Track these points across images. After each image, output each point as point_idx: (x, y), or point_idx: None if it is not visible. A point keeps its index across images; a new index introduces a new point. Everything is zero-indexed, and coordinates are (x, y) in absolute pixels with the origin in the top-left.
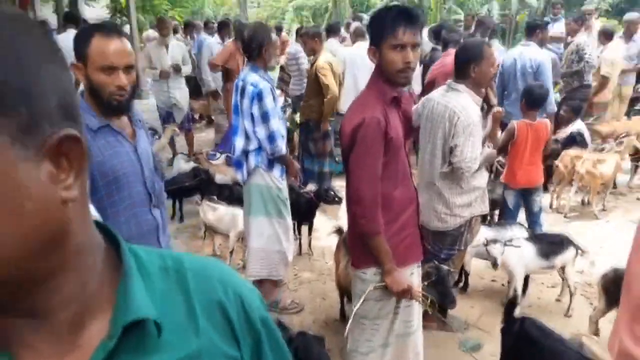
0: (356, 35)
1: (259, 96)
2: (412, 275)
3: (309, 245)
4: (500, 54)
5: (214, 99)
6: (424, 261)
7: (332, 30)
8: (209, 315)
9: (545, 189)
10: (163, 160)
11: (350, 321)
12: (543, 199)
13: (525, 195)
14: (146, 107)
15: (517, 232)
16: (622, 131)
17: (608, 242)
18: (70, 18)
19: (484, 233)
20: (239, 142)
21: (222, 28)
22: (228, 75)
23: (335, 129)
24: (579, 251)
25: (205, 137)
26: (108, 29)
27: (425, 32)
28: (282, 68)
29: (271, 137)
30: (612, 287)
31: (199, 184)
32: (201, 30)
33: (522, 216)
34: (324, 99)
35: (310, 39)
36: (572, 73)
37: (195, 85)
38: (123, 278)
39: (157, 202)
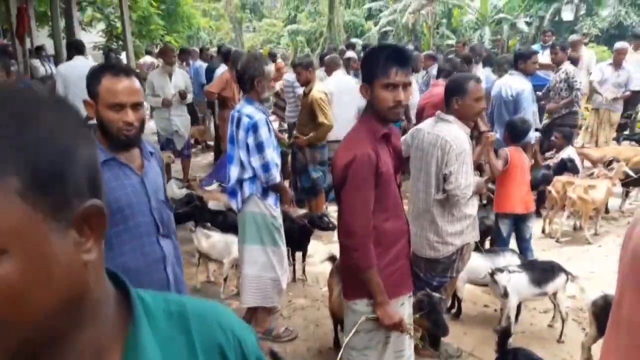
0: (333, 66)
1: (254, 127)
2: (403, 306)
3: (303, 271)
4: (489, 82)
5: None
6: (416, 289)
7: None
8: (209, 357)
9: (538, 214)
10: None
11: (341, 351)
12: (535, 225)
13: (518, 222)
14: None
15: (511, 259)
16: (611, 156)
17: (600, 266)
18: (76, 46)
19: (476, 261)
20: (234, 171)
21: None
22: (224, 103)
23: (323, 156)
24: (570, 277)
25: (200, 162)
26: (118, 68)
27: (421, 57)
28: (277, 94)
29: (265, 167)
30: (602, 314)
31: (193, 211)
32: (197, 56)
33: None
34: (318, 127)
35: (304, 70)
36: (564, 102)
37: (191, 111)
38: (133, 329)
39: (165, 232)
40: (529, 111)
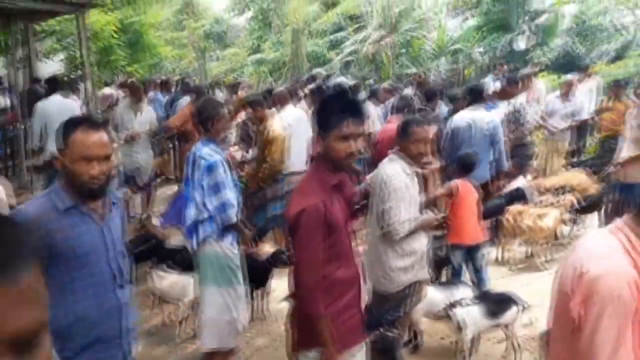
0: (283, 100)
1: (210, 169)
2: (354, 358)
3: (264, 309)
4: (443, 113)
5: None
6: (370, 325)
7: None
8: None
9: (493, 242)
10: None
11: None
12: (490, 253)
13: (471, 253)
14: None
15: (465, 292)
16: (560, 184)
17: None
18: (54, 83)
19: (432, 294)
20: (190, 213)
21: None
22: (186, 137)
23: (282, 189)
24: (523, 307)
25: (160, 195)
26: (90, 122)
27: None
28: (241, 125)
29: (222, 207)
30: None
31: (151, 249)
32: (157, 87)
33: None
34: (267, 165)
35: (256, 107)
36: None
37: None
38: None
39: (122, 282)
40: (502, 142)
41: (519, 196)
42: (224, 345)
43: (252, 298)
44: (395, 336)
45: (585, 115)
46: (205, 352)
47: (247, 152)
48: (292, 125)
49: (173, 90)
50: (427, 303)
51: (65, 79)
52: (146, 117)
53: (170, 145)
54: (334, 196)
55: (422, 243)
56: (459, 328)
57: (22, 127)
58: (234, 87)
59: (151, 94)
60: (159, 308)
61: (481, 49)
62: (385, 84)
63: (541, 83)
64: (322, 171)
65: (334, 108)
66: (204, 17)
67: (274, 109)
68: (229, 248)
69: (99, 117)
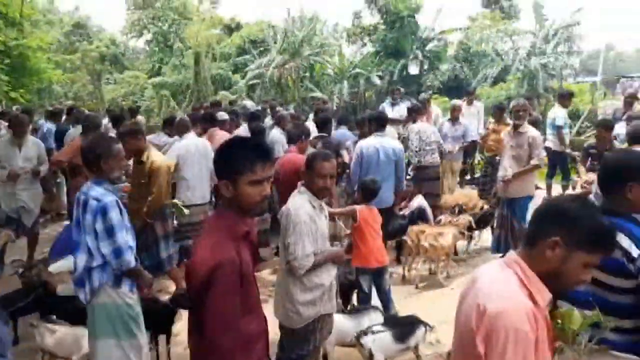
0: (183, 128)
1: (103, 210)
2: None
3: (168, 354)
4: (345, 136)
5: None
6: None
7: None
8: None
9: (399, 262)
10: None
11: None
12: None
13: (377, 275)
14: None
15: (375, 317)
16: (455, 203)
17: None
18: None
19: (342, 323)
20: (80, 260)
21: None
22: (76, 170)
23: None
24: (428, 328)
25: (49, 234)
26: None
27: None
28: None
29: (117, 252)
30: None
31: (36, 301)
32: (41, 116)
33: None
34: (152, 197)
35: (132, 138)
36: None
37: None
38: None
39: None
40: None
41: (420, 216)
42: None
43: (156, 344)
44: None
45: (472, 137)
46: None
47: None
48: (189, 155)
49: (63, 119)
50: (338, 333)
51: None
52: (31, 150)
53: (59, 180)
54: (241, 244)
55: (330, 275)
56: (370, 356)
57: None
58: (132, 113)
59: (41, 122)
60: None
61: (380, 73)
62: (292, 110)
63: (436, 107)
64: (230, 218)
65: (242, 151)
66: (98, 39)
67: (175, 137)
68: (128, 295)
69: None
